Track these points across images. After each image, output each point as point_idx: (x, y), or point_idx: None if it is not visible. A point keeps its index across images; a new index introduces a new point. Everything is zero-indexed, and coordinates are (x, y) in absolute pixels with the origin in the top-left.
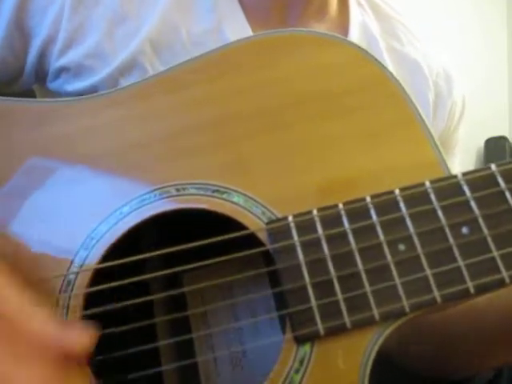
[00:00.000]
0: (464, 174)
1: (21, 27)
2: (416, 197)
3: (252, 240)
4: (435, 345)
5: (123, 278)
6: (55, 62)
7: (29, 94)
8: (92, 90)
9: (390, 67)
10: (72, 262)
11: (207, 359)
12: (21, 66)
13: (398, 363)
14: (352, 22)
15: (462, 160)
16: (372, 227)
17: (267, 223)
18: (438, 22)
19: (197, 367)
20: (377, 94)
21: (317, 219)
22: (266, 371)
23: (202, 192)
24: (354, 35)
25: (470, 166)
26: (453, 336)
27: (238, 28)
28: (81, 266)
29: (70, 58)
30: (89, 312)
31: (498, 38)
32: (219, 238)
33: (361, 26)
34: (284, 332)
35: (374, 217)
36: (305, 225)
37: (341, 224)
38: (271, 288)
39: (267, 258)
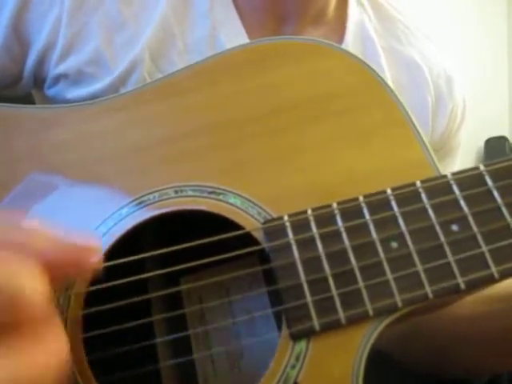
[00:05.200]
0: (453, 174)
1: (19, 34)
2: (407, 196)
3: (248, 240)
4: (440, 344)
5: (122, 279)
6: (54, 69)
7: (27, 98)
8: (92, 98)
9: (387, 68)
10: None
11: (204, 357)
12: (19, 71)
13: (399, 363)
14: (349, 22)
15: (461, 160)
16: (365, 226)
17: (263, 223)
18: (439, 22)
19: (194, 366)
20: (367, 96)
21: (311, 218)
22: (262, 368)
23: (198, 194)
24: (350, 37)
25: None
26: (458, 337)
27: (234, 34)
28: None
29: (69, 64)
30: (88, 311)
31: (499, 39)
32: (216, 238)
33: (357, 27)
34: (280, 330)
35: (367, 216)
36: (300, 224)
37: (335, 223)
38: (267, 288)
39: (262, 258)
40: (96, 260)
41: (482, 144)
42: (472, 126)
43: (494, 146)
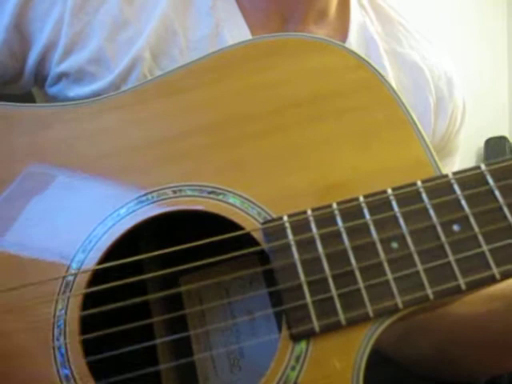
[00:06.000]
0: (454, 174)
1: (21, 32)
2: (408, 196)
3: (248, 241)
4: (439, 345)
5: (121, 280)
6: (55, 67)
7: (28, 96)
8: (93, 96)
9: (390, 70)
10: (70, 264)
11: (205, 358)
12: (20, 69)
13: (400, 364)
14: (352, 24)
15: (462, 160)
16: (365, 226)
17: (263, 223)
18: (439, 22)
19: (194, 367)
20: (368, 96)
21: (311, 219)
22: (263, 369)
23: (197, 193)
24: (353, 38)
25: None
26: (457, 337)
27: (237, 32)
28: (79, 268)
29: (71, 63)
30: (86, 313)
31: (499, 39)
32: (215, 238)
33: (360, 28)
34: (280, 330)
35: (367, 216)
36: (299, 224)
37: (335, 223)
38: (267, 288)
39: (262, 258)
40: None
41: (482, 144)
42: (472, 126)
43: (494, 146)
